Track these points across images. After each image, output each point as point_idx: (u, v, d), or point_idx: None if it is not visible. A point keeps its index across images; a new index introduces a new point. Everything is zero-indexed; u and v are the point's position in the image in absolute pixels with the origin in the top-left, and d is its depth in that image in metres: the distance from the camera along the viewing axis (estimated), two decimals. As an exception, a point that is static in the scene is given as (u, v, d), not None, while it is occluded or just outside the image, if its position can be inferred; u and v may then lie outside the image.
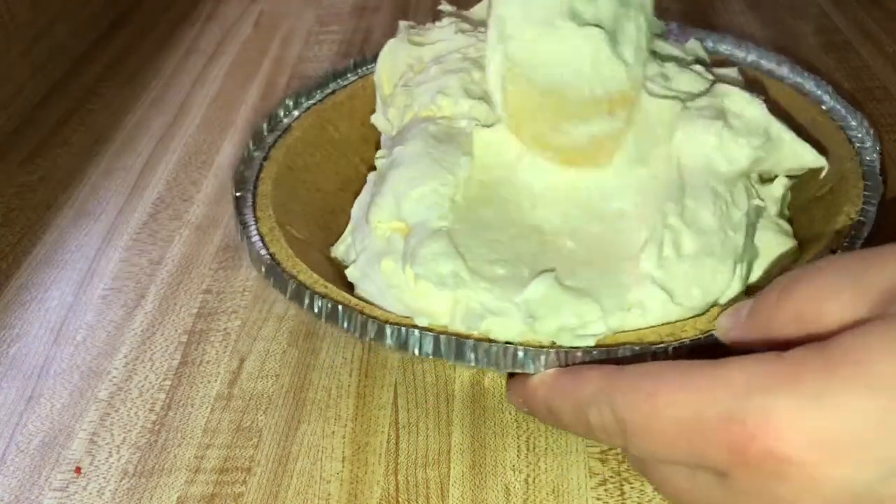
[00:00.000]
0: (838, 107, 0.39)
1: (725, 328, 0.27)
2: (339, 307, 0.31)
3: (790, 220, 0.36)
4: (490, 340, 0.30)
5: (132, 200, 0.47)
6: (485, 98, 0.37)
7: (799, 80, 0.42)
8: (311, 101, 0.43)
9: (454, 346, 0.30)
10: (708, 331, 0.29)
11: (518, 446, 0.32)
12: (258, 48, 0.62)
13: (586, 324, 0.30)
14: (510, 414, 0.33)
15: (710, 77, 0.37)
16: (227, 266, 0.42)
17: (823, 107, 0.40)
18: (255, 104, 0.55)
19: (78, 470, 0.33)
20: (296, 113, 0.43)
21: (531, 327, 0.30)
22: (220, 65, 0.60)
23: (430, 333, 0.30)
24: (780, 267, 0.33)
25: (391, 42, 0.42)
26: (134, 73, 0.60)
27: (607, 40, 0.33)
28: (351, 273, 0.34)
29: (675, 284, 0.31)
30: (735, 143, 0.34)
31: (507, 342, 0.30)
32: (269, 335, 0.38)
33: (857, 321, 0.21)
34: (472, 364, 0.30)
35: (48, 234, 0.45)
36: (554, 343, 0.30)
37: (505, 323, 0.30)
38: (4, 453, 0.34)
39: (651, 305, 0.30)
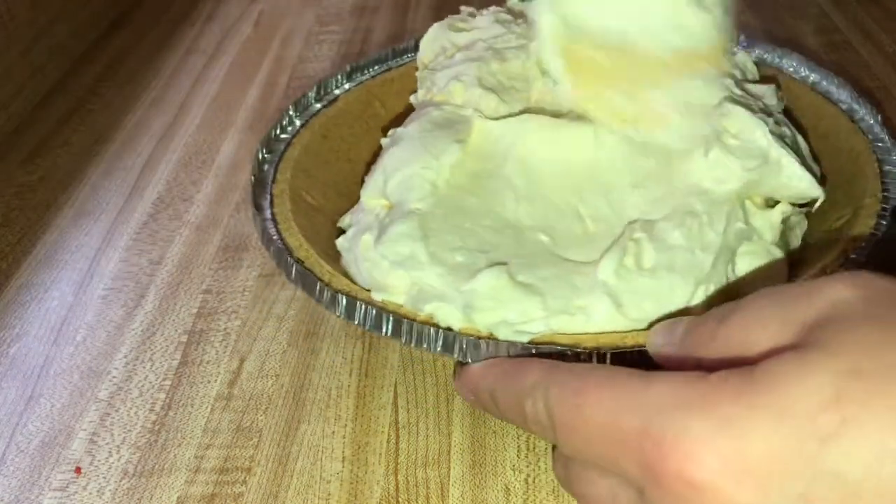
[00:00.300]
0: (885, 138, 0.38)
1: (657, 344, 0.27)
2: (306, 272, 0.33)
3: (801, 251, 0.35)
4: (430, 323, 0.30)
5: (132, 200, 0.47)
6: (495, 89, 0.38)
7: (855, 106, 0.40)
8: (364, 77, 0.44)
9: (392, 322, 0.30)
10: (643, 344, 0.29)
11: (518, 446, 0.32)
12: (258, 48, 0.62)
13: (527, 321, 0.30)
14: (510, 414, 0.33)
15: (738, 92, 0.36)
16: (227, 266, 0.42)
17: (869, 136, 0.38)
18: (255, 104, 0.55)
19: (78, 470, 0.33)
20: (347, 86, 0.44)
21: (469, 317, 0.30)
22: (220, 65, 0.60)
23: (374, 308, 0.31)
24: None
25: (435, 25, 0.43)
26: (134, 73, 0.60)
27: None
28: (340, 243, 0.35)
29: (628, 297, 0.30)
30: (726, 163, 0.33)
31: (444, 327, 0.30)
32: (269, 335, 0.38)
33: (779, 350, 0.20)
34: (405, 342, 0.30)
35: (48, 234, 0.45)
36: (491, 335, 0.30)
37: (447, 309, 0.31)
38: (4, 453, 0.34)
39: (596, 312, 0.30)
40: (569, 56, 0.31)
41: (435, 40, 0.43)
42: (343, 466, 0.32)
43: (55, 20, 0.60)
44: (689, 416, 0.20)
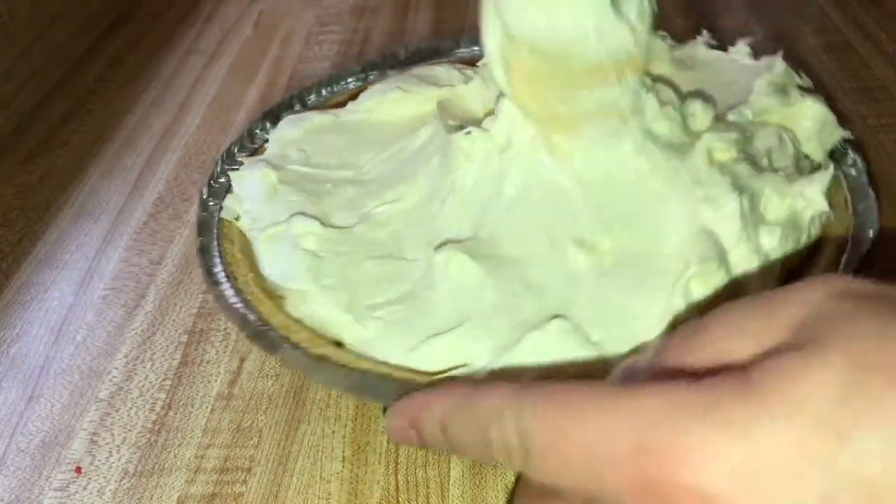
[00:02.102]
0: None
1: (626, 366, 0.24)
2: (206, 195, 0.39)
3: None
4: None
5: (132, 200, 0.47)
6: (480, 73, 0.41)
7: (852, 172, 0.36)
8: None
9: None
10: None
11: (518, 446, 0.32)
12: (258, 48, 0.62)
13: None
14: (510, 414, 0.33)
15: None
16: (227, 266, 0.42)
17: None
18: (255, 104, 0.55)
19: (78, 470, 0.33)
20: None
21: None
22: (220, 65, 0.60)
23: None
24: None
25: None
26: (134, 73, 0.60)
27: (610, 3, 0.31)
28: None
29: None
30: None
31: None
32: (269, 335, 0.38)
33: (768, 353, 0.19)
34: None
35: (48, 234, 0.45)
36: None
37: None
38: (5, 453, 0.34)
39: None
40: (510, 62, 0.32)
41: None
42: (343, 466, 0.32)
43: (55, 20, 0.60)
44: (689, 425, 0.18)
